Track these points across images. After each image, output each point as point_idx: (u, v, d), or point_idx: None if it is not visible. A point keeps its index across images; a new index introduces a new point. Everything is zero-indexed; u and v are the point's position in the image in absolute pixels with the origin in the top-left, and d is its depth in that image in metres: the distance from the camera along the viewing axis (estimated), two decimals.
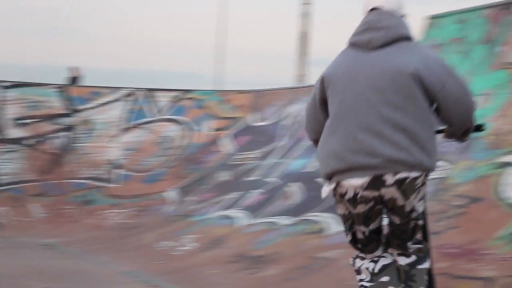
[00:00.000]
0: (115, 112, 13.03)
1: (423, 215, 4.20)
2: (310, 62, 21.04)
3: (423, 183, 4.01)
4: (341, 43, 4.14)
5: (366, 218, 4.13)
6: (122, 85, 13.53)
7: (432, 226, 4.55)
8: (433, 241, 4.56)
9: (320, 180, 7.05)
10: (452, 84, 3.97)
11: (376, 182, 3.94)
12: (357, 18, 4.17)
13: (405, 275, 4.19)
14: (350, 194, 4.02)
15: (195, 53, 63.64)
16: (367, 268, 4.25)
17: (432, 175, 4.08)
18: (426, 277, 4.22)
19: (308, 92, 10.77)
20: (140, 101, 13.17)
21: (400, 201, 4.02)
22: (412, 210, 4.07)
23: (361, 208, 4.08)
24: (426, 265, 4.21)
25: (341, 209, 4.17)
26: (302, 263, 7.07)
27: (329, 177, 4.05)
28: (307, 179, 9.24)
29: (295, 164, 10.18)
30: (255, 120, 12.56)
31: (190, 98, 13.41)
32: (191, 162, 12.53)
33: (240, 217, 9.27)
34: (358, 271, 4.30)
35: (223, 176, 11.28)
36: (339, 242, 6.57)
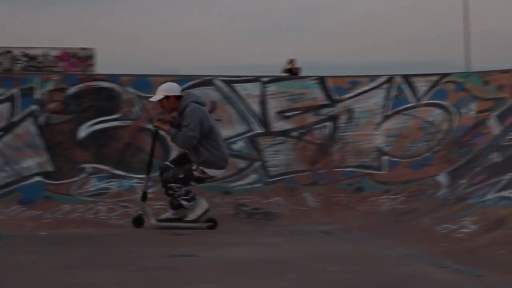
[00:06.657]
0: (375, 99, 13.09)
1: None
2: None
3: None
4: None
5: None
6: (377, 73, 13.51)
7: None
8: None
9: None
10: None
11: None
12: None
13: None
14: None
15: (435, 41, 62.13)
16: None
17: None
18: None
19: None
20: (399, 88, 13.15)
21: None
22: None
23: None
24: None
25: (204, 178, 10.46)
26: None
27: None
28: None
29: None
30: None
31: (449, 82, 13.20)
32: (458, 145, 12.32)
33: None
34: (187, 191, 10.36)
35: (494, 157, 10.97)
36: None
